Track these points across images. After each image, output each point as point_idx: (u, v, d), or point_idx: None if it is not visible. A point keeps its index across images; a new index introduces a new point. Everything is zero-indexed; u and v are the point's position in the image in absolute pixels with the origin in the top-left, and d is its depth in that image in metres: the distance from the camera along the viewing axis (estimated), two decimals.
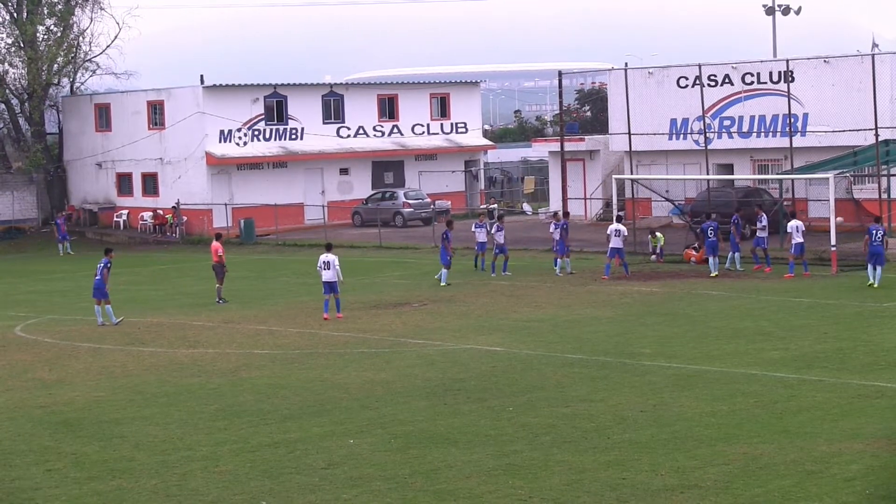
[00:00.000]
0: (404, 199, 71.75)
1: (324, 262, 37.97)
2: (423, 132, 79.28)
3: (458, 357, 30.58)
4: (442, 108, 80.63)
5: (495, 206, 58.87)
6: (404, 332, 34.76)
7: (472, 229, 50.97)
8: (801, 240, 42.99)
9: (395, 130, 78.25)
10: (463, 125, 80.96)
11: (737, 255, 45.37)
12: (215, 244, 43.57)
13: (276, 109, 73.44)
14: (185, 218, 70.61)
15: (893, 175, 52.73)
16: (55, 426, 24.55)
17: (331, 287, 37.77)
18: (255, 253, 62.44)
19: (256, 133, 72.53)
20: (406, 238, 63.23)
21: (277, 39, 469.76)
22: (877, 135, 49.18)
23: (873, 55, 54.59)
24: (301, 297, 43.40)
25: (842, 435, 21.40)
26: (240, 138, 71.77)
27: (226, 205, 70.06)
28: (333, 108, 75.94)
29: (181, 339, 35.22)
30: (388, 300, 41.38)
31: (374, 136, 77.35)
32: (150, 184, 74.56)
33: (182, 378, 29.13)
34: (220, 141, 71.12)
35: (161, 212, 72.25)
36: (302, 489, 19.52)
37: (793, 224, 43.32)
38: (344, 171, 75.93)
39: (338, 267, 37.88)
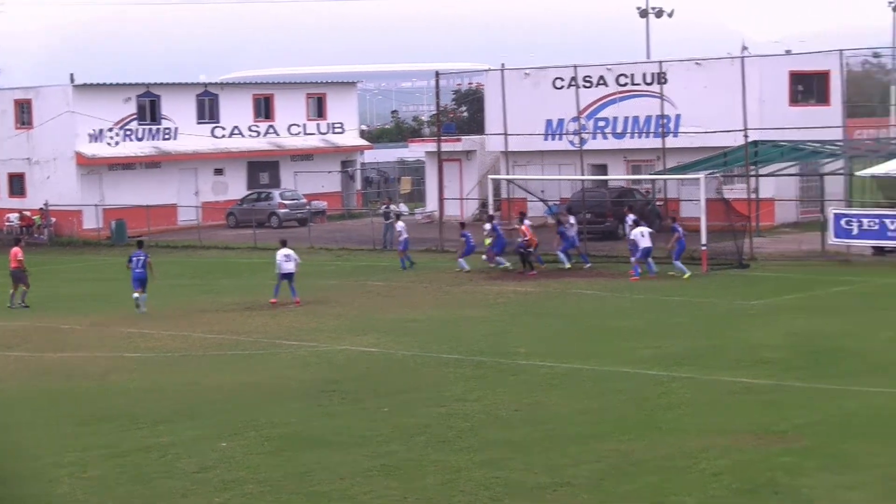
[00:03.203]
0: (280, 200, 71.37)
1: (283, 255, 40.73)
2: (300, 132, 78.96)
3: (334, 358, 30.52)
4: (318, 108, 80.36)
5: (392, 206, 58.78)
6: (279, 334, 34.60)
7: (398, 229, 50.26)
8: (649, 244, 43.62)
9: (271, 130, 77.85)
10: (339, 125, 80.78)
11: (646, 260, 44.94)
12: (15, 249, 43.56)
13: (149, 109, 72.63)
14: (53, 219, 69.55)
15: (762, 175, 53.62)
16: None
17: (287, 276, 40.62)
18: (126, 254, 61.51)
19: (129, 133, 71.67)
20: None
21: (151, 38, 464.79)
22: (746, 136, 49.97)
23: (743, 58, 55.46)
24: (174, 299, 42.95)
25: (711, 430, 21.76)
26: (111, 138, 70.88)
27: (96, 206, 69.11)
28: (208, 108, 75.33)
29: (49, 342, 34.67)
30: (262, 301, 41.15)
31: (250, 136, 76.86)
32: (17, 184, 73.26)
33: (49, 383, 28.68)
34: (90, 141, 70.15)
35: (28, 213, 71.04)
36: (173, 494, 19.34)
37: (637, 231, 44.10)
38: (219, 172, 75.32)
39: (297, 258, 41.12)
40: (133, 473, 20.49)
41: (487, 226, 48.13)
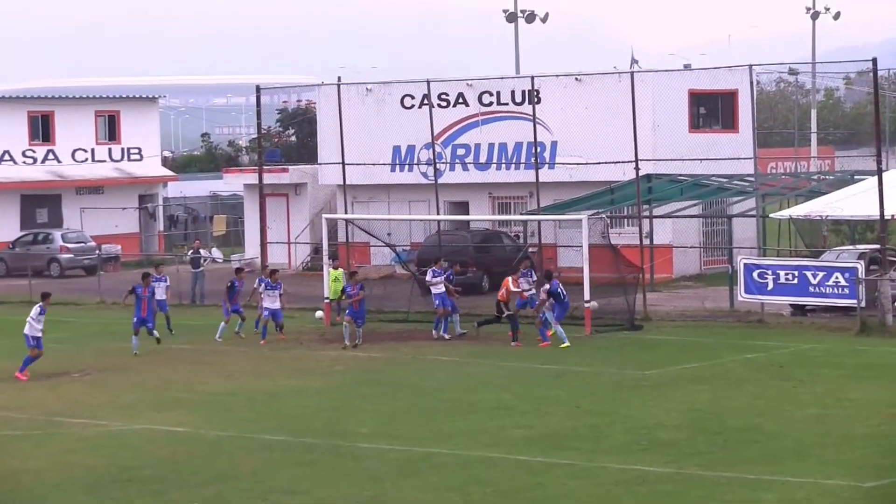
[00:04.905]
0: (62, 243, 70.67)
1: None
2: (87, 159, 78.23)
3: (130, 440, 30.24)
4: (110, 129, 79.72)
5: (203, 250, 58.42)
6: (61, 410, 34.16)
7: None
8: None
9: (51, 156, 77.04)
10: (137, 151, 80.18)
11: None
12: None
13: None
14: None
15: (657, 217, 54.11)
16: None
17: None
18: None
19: None
20: (65, 291, 61.92)
21: None
22: (637, 168, 50.53)
23: (632, 73, 55.90)
24: None
25: None
26: None
27: None
28: None
29: None
30: (40, 369, 40.54)
31: (24, 162, 76.02)
32: None
33: None
34: None
35: None
36: None
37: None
38: None
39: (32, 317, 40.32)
40: None
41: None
